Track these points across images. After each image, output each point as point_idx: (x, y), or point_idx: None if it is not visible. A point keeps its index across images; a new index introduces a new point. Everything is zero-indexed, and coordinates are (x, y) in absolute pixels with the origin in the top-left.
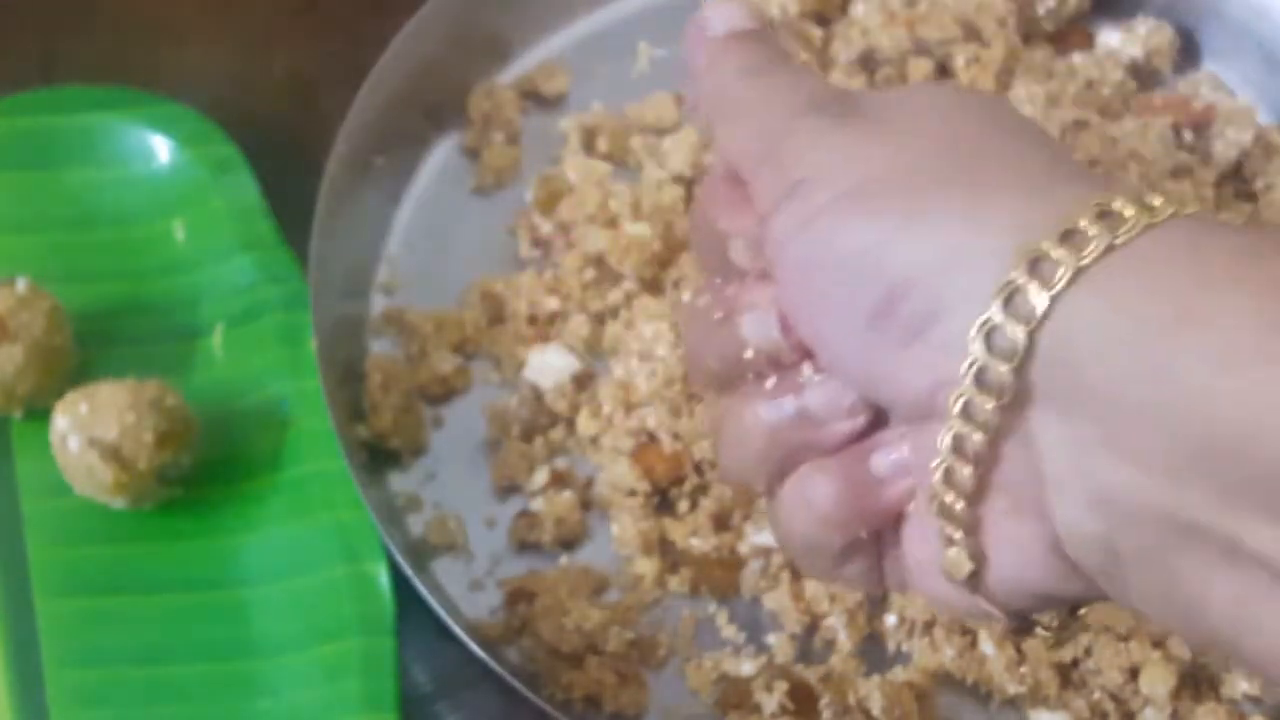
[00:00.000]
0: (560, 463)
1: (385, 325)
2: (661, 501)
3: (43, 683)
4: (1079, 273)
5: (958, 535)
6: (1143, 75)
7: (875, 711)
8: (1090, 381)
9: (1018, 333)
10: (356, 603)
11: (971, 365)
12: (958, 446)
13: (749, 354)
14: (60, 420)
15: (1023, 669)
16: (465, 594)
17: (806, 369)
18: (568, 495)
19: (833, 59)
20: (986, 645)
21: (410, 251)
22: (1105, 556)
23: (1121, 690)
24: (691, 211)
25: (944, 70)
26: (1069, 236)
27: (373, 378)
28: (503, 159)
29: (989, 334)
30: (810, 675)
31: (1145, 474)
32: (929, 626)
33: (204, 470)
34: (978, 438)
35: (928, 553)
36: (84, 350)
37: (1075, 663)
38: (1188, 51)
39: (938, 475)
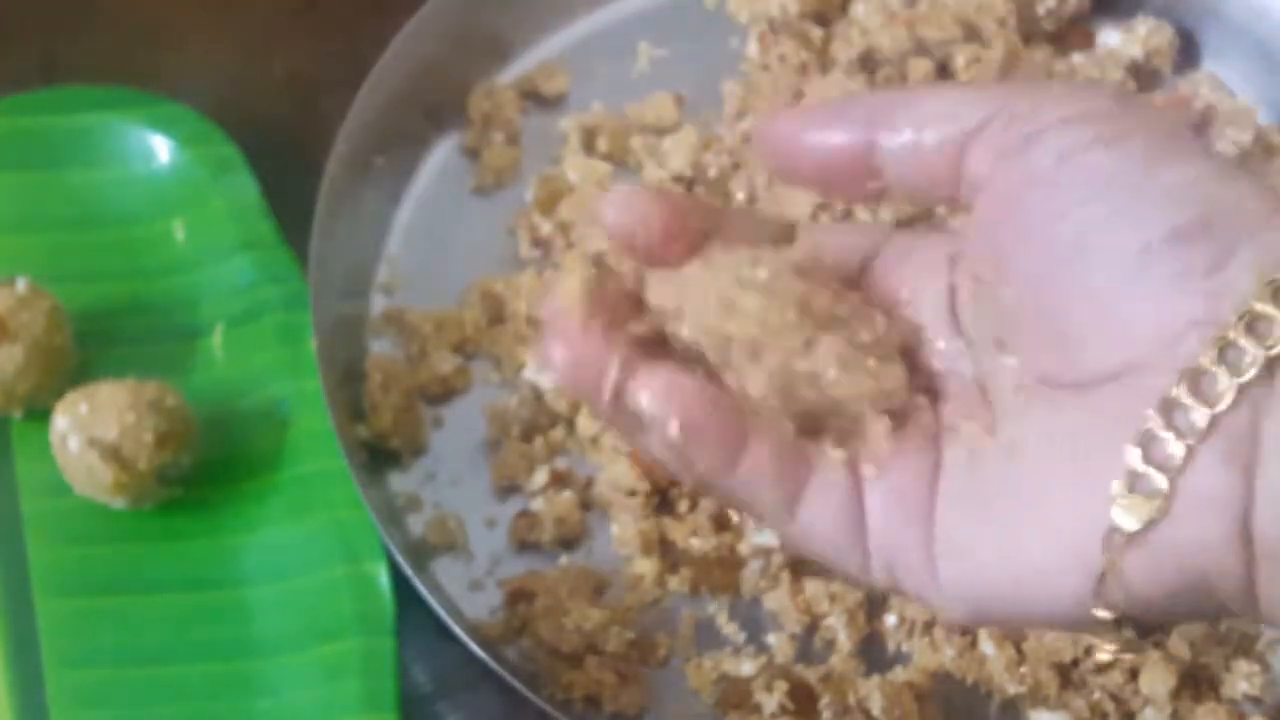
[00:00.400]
0: (560, 463)
1: (385, 325)
2: (661, 501)
3: (43, 683)
4: None
5: (1154, 475)
6: (1143, 75)
7: (875, 711)
8: None
9: None
10: (356, 603)
11: (1245, 313)
12: (1195, 385)
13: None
14: (60, 420)
15: (1023, 669)
16: (465, 594)
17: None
18: (568, 495)
19: (833, 59)
20: (986, 645)
21: (410, 251)
22: None
23: (1121, 690)
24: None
25: (944, 70)
26: None
27: (373, 378)
28: (503, 159)
29: (1276, 292)
30: (810, 675)
31: None
32: (929, 626)
33: (204, 470)
34: (1228, 380)
35: (1026, 531)
36: (84, 350)
37: (1075, 663)
38: (1188, 51)
39: (1156, 411)
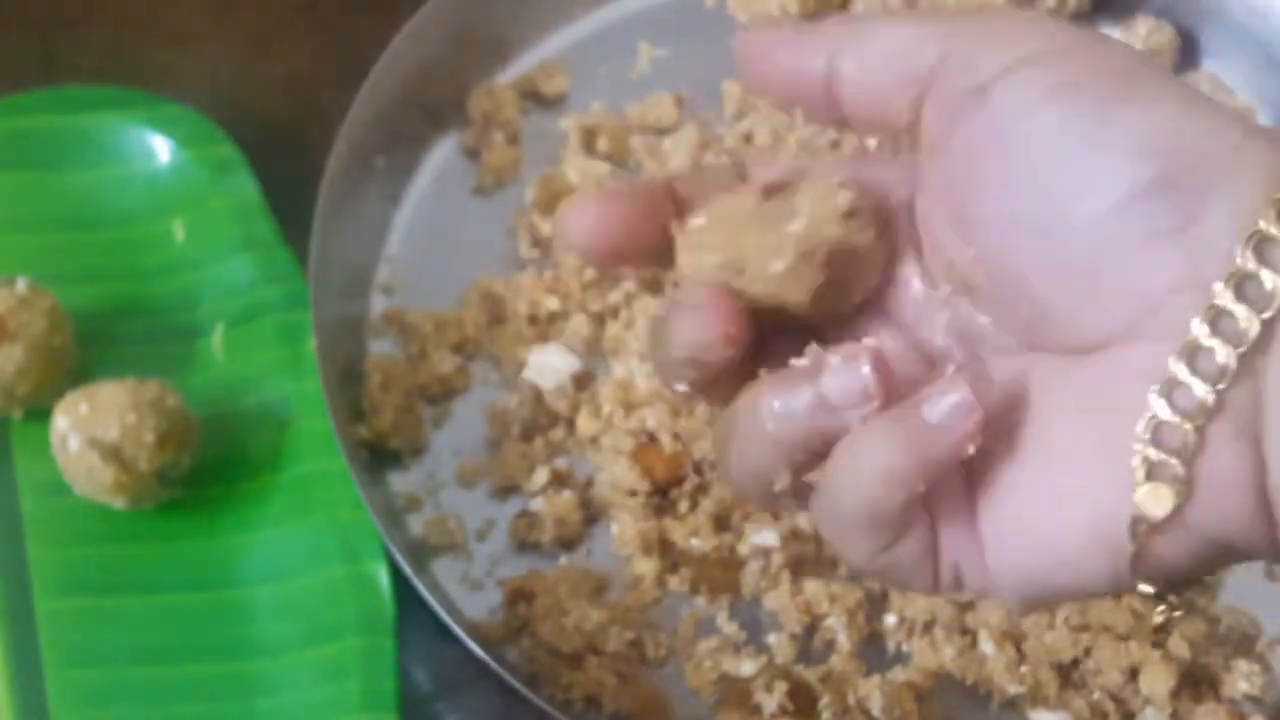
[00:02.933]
0: (560, 463)
1: (385, 325)
2: (661, 501)
3: (43, 683)
4: None
5: (1171, 462)
6: None
7: (875, 711)
8: None
9: None
10: (356, 603)
11: (1233, 275)
12: (1194, 361)
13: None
14: (60, 420)
15: (1023, 669)
16: (465, 594)
17: (813, 350)
18: (568, 495)
19: None
20: (986, 645)
21: (410, 251)
22: None
23: (1121, 690)
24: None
25: None
26: None
27: (373, 378)
28: (503, 159)
29: (1259, 245)
30: (810, 675)
31: None
32: (929, 626)
33: (204, 470)
34: (1226, 352)
35: (1057, 509)
36: (84, 350)
37: (1075, 663)
38: (1188, 51)
39: (1159, 395)
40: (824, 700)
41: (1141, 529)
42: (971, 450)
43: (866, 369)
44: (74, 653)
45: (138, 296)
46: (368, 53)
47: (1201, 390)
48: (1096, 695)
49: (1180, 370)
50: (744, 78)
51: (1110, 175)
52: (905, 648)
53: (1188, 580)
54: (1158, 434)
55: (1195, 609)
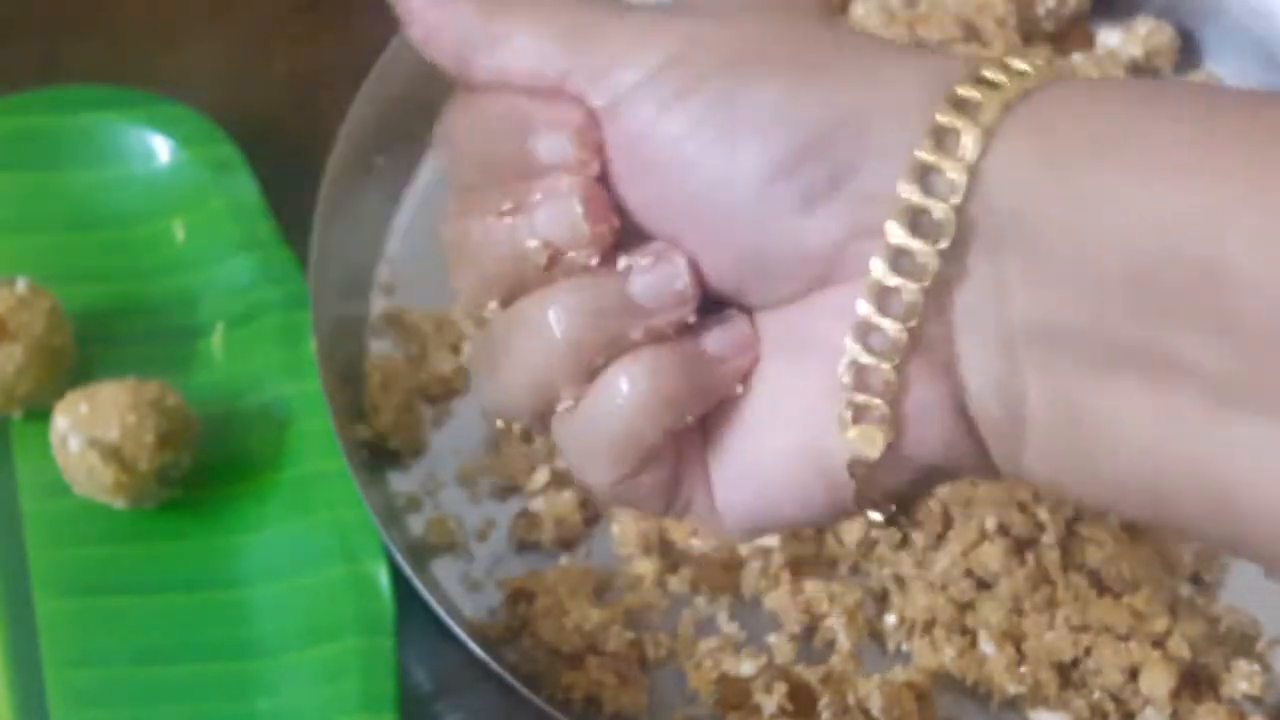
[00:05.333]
0: (560, 463)
1: (385, 325)
2: None
3: (43, 683)
4: (1006, 109)
5: (875, 403)
6: (1143, 75)
7: (875, 711)
8: (1019, 215)
9: (958, 169)
10: (356, 603)
11: (904, 211)
12: (882, 302)
13: (533, 244)
14: (60, 420)
15: (1023, 669)
16: (465, 594)
17: (623, 259)
18: (568, 495)
19: None
20: (986, 645)
21: (410, 251)
22: (1008, 407)
23: (1121, 690)
24: (451, 125)
25: None
26: (983, 84)
27: (373, 378)
28: None
29: (923, 175)
30: (810, 675)
31: (1070, 301)
32: (929, 626)
33: (204, 470)
34: (909, 287)
35: (780, 446)
36: (84, 350)
37: (1075, 663)
38: (1188, 51)
39: (854, 340)
40: (824, 700)
41: (858, 468)
42: (740, 390)
43: (683, 266)
44: (74, 653)
45: (138, 296)
46: (368, 53)
47: (893, 330)
48: (1096, 695)
49: (870, 313)
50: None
51: (750, 156)
52: (905, 648)
53: (913, 499)
54: (860, 377)
55: (1195, 609)
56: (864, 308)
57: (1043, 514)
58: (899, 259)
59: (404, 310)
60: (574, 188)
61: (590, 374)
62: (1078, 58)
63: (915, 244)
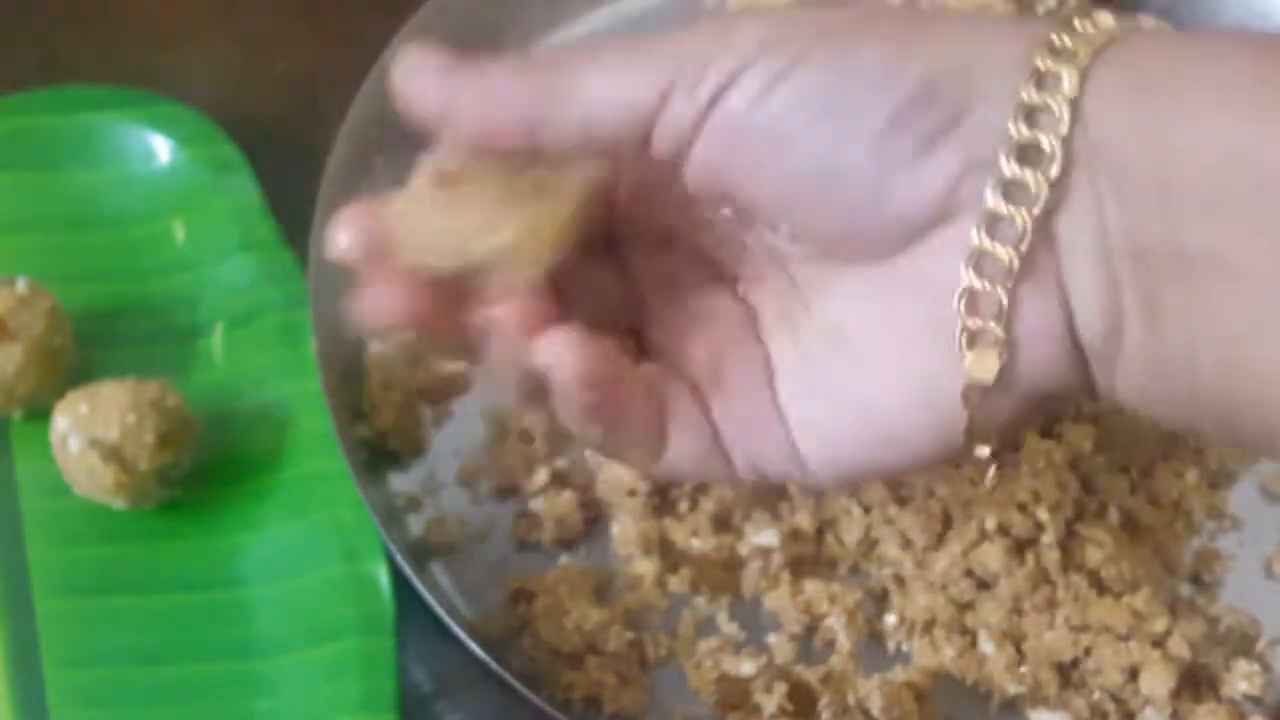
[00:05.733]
0: (560, 463)
1: None
2: (661, 501)
3: (43, 683)
4: (1096, 54)
5: (990, 326)
6: None
7: (875, 711)
8: (1111, 144)
9: (1060, 105)
10: (356, 603)
11: (1013, 146)
12: (994, 230)
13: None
14: (60, 420)
15: (1023, 669)
16: (465, 594)
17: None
18: (568, 495)
19: None
20: (986, 645)
21: None
22: (1110, 324)
23: (1121, 690)
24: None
25: None
26: (1072, 33)
27: (373, 378)
28: None
29: (1029, 114)
30: (810, 675)
31: (1153, 217)
32: (929, 626)
33: (204, 470)
34: (1021, 214)
35: (890, 386)
36: (84, 350)
37: (1075, 663)
38: None
39: (968, 268)
40: (824, 700)
41: (973, 394)
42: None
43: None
44: (74, 653)
45: (138, 296)
46: (368, 53)
47: (1006, 255)
48: (1096, 695)
49: (984, 240)
50: (404, 100)
51: (866, 113)
52: (905, 648)
53: (1015, 437)
54: (973, 303)
55: (1195, 609)
56: (977, 236)
57: (1043, 514)
58: (1011, 189)
59: None
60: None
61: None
62: None
63: (1025, 173)
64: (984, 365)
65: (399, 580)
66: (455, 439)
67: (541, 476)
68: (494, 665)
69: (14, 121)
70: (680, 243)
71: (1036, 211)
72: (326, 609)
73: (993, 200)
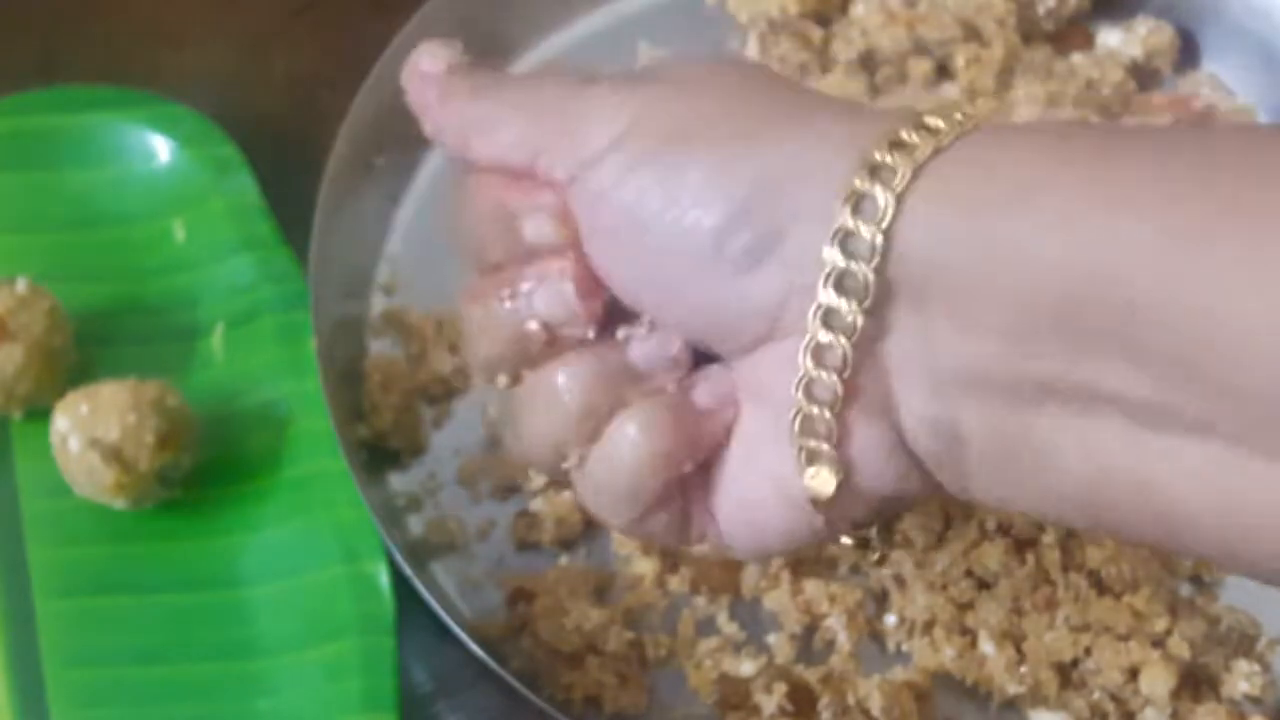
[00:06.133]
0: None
1: (385, 325)
2: None
3: (43, 683)
4: (917, 171)
5: (823, 448)
6: (1143, 75)
7: (875, 711)
8: (938, 268)
9: (873, 233)
10: (356, 602)
11: (829, 273)
12: (819, 357)
13: (533, 326)
14: (61, 420)
15: (1023, 669)
16: (465, 594)
17: (622, 330)
18: (568, 495)
19: (833, 59)
20: (986, 645)
21: (410, 251)
22: (947, 443)
23: (1121, 690)
24: (451, 213)
25: (944, 70)
26: (897, 146)
27: (373, 378)
28: None
29: (844, 240)
30: (810, 675)
31: (997, 344)
32: (929, 626)
33: (204, 470)
34: (841, 342)
35: (757, 484)
36: (84, 350)
37: (1075, 663)
38: (1188, 51)
39: (798, 391)
40: (824, 700)
41: (819, 504)
42: (736, 443)
43: (674, 336)
44: (74, 653)
45: (138, 296)
46: (368, 53)
47: (830, 380)
48: (1096, 695)
49: (809, 367)
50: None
51: (691, 226)
52: (905, 648)
53: (881, 523)
54: (806, 423)
55: (1195, 609)
56: (805, 360)
57: None
58: (830, 316)
59: (404, 310)
60: (564, 271)
61: (596, 434)
62: (1078, 58)
63: (841, 303)
64: (822, 481)
65: (399, 580)
66: (455, 439)
67: (541, 477)
68: (494, 665)
69: (14, 121)
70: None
71: (854, 340)
72: (326, 609)
73: (813, 327)
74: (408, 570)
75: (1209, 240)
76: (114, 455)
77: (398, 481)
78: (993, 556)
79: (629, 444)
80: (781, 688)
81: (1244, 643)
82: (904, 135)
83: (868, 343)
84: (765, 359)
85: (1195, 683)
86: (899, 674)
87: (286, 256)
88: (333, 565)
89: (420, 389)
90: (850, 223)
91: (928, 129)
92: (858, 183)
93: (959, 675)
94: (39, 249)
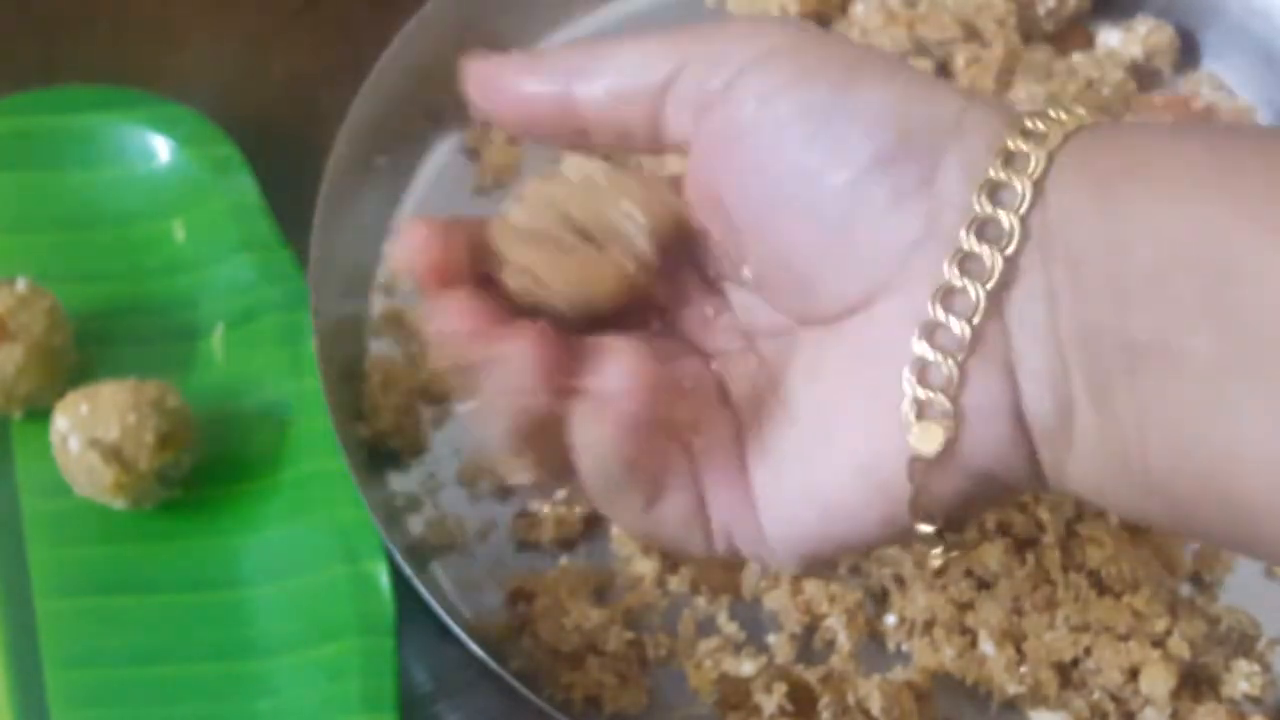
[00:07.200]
0: None
1: (385, 325)
2: None
3: (43, 683)
4: (1067, 137)
5: (938, 399)
6: (1143, 75)
7: (875, 711)
8: (1066, 227)
9: (1024, 184)
10: (356, 603)
11: (973, 220)
12: (949, 303)
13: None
14: (61, 420)
15: (1023, 669)
16: (465, 594)
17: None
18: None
19: None
20: (986, 645)
21: None
22: (1059, 406)
23: (1121, 690)
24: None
25: (944, 70)
26: (1041, 118)
27: (373, 378)
28: (503, 159)
29: (993, 191)
30: (810, 675)
31: (1104, 305)
32: (929, 626)
33: (204, 470)
34: (975, 290)
35: (835, 463)
36: (84, 350)
37: (1075, 663)
38: (1188, 51)
39: (920, 338)
40: (824, 700)
41: (917, 468)
42: (768, 430)
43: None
44: (74, 653)
45: (138, 296)
46: (368, 53)
47: (958, 327)
48: (1096, 695)
49: (938, 311)
50: (478, 105)
51: (853, 147)
52: (905, 648)
53: (960, 519)
54: (923, 374)
55: (1195, 609)
56: (932, 306)
57: (1043, 514)
58: (967, 261)
59: (404, 310)
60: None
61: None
62: (1078, 58)
63: (982, 248)
64: (929, 438)
65: (399, 580)
66: (455, 439)
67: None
68: (494, 665)
69: (14, 121)
70: (661, 319)
71: (990, 286)
72: (326, 609)
73: (949, 272)
74: (408, 570)
75: None
76: (114, 455)
77: (398, 481)
78: (993, 556)
79: (579, 438)
80: (781, 688)
81: (1244, 643)
82: (1051, 113)
83: (997, 291)
84: (872, 318)
85: (1195, 683)
86: (899, 674)
87: (286, 256)
88: (333, 565)
89: (420, 389)
90: (1001, 174)
91: (1071, 113)
92: (1009, 142)
93: (959, 675)
94: (39, 249)
